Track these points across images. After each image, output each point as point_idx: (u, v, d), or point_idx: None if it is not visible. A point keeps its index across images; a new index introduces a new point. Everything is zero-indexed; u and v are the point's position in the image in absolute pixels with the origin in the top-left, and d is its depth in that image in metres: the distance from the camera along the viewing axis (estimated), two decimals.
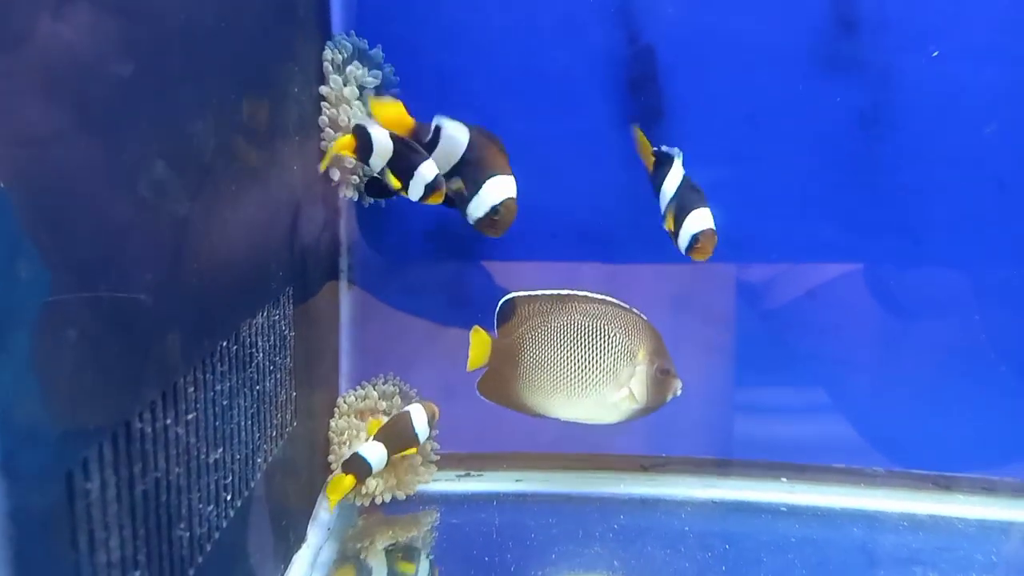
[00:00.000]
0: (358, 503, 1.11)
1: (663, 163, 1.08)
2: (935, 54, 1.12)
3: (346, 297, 1.26)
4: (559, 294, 1.04)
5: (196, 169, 0.61)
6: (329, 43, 1.10)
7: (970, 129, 1.14)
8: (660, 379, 1.01)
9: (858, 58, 1.14)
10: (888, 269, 1.19)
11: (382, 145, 0.94)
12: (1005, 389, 1.18)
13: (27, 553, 0.39)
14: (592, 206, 1.23)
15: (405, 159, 0.95)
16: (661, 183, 1.06)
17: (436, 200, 0.96)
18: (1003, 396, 1.18)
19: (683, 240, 1.02)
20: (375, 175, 1.01)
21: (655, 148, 1.09)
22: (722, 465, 1.25)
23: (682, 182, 1.06)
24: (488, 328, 1.09)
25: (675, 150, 1.08)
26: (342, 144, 0.95)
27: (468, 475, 1.26)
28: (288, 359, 0.85)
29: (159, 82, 0.54)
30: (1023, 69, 1.12)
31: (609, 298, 1.04)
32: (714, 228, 1.01)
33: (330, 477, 1.08)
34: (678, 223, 1.02)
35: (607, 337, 1.01)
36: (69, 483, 0.43)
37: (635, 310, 1.04)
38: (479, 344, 1.06)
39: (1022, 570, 0.99)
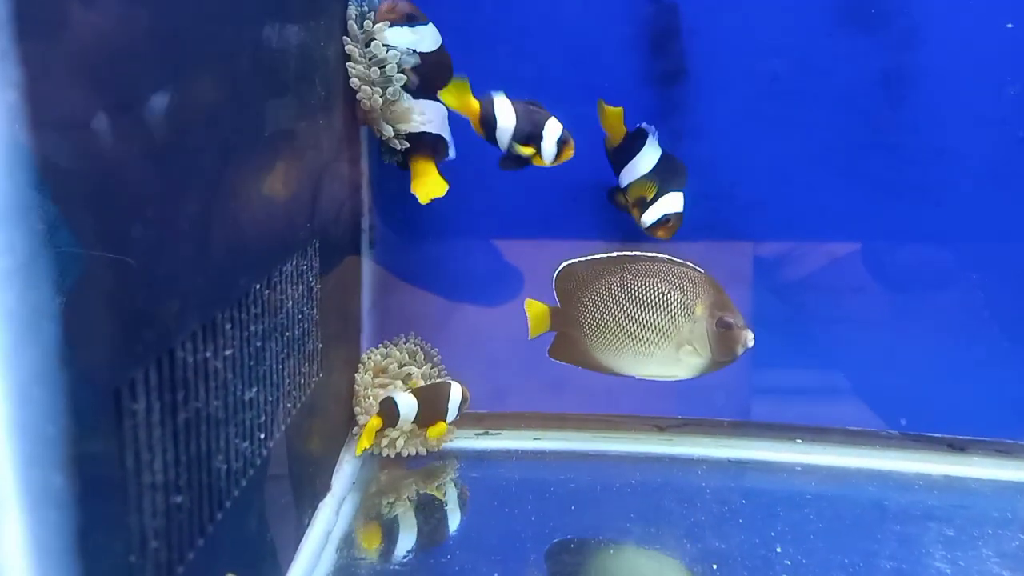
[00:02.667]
0: (384, 453, 1.13)
1: (636, 138, 1.10)
2: (1009, 26, 1.10)
3: (367, 256, 1.27)
4: (611, 256, 1.04)
5: (227, 127, 0.62)
6: (353, 1, 1.10)
7: (993, 90, 1.13)
8: (724, 332, 0.99)
9: (883, 16, 1.13)
10: (908, 232, 1.19)
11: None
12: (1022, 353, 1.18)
13: (82, 466, 0.41)
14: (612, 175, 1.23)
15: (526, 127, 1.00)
16: (631, 157, 1.09)
17: (568, 155, 1.02)
18: (1020, 360, 1.19)
19: (653, 215, 1.06)
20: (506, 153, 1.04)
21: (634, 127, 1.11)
22: (738, 427, 1.26)
23: (661, 159, 1.09)
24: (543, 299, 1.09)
25: (651, 127, 1.10)
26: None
27: (487, 434, 1.28)
28: (314, 310, 0.87)
29: (181, 49, 0.55)
30: None
31: (662, 255, 1.02)
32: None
33: (358, 428, 1.11)
34: (653, 198, 1.06)
35: (662, 294, 1.00)
36: (117, 401, 0.45)
37: (691, 264, 1.02)
38: (535, 315, 1.07)
39: None
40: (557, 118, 1.02)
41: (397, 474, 1.14)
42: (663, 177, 1.09)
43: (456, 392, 1.10)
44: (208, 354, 0.55)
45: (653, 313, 1.02)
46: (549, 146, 1.01)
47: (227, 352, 0.58)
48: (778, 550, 0.94)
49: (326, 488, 1.00)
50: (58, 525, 0.39)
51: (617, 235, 1.23)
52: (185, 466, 0.53)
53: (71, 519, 0.40)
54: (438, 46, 1.10)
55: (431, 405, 1.08)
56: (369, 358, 1.20)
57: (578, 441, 1.26)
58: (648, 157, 1.09)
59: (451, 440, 1.20)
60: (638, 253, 1.04)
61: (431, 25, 1.09)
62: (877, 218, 1.20)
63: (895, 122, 1.16)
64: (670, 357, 1.02)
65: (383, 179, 1.25)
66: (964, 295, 1.19)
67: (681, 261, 1.02)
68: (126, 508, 0.46)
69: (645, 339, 1.02)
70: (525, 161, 1.03)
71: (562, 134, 1.01)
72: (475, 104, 1.03)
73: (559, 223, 1.27)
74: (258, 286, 0.66)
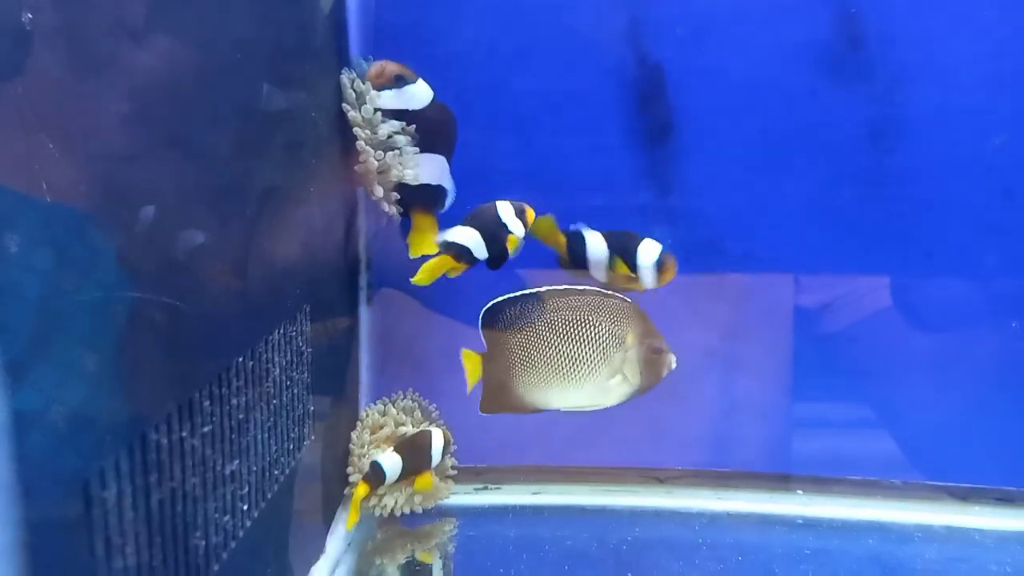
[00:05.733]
0: (376, 513, 1.13)
1: (576, 238, 1.10)
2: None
3: (365, 313, 1.29)
4: (537, 292, 1.05)
5: (213, 194, 0.64)
6: (346, 69, 1.14)
7: (978, 141, 1.14)
8: (653, 358, 1.02)
9: (865, 73, 1.15)
10: (902, 281, 1.20)
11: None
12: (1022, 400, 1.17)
13: (43, 559, 0.42)
14: (607, 222, 1.25)
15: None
16: (585, 251, 1.10)
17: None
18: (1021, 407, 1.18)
19: (647, 272, 1.06)
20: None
21: (564, 229, 1.12)
22: (738, 478, 1.25)
23: (608, 235, 1.09)
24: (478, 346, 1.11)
25: (580, 225, 1.11)
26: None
27: (486, 488, 1.28)
28: (305, 374, 0.88)
29: (171, 114, 0.57)
30: None
31: (590, 287, 1.04)
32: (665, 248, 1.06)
33: (350, 488, 1.12)
34: (631, 263, 1.07)
35: (595, 327, 1.02)
36: (86, 492, 0.46)
37: (618, 295, 1.04)
38: (471, 364, 1.08)
39: None
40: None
41: (393, 532, 1.15)
42: (622, 243, 1.09)
43: (437, 437, 1.10)
44: (184, 433, 0.57)
45: (587, 346, 1.03)
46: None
47: (206, 429, 0.60)
48: None
49: (320, 550, 1.00)
50: None
51: None
52: (160, 546, 0.54)
53: None
54: (430, 100, 1.13)
55: (414, 456, 1.08)
56: (367, 416, 1.21)
57: (577, 495, 1.25)
58: (595, 242, 1.09)
59: (445, 497, 1.20)
60: (566, 287, 1.05)
61: (421, 82, 1.11)
62: (867, 270, 1.20)
63: (882, 174, 1.17)
64: (600, 387, 1.03)
65: (381, 236, 1.28)
66: (960, 342, 1.19)
67: (608, 292, 1.04)
68: None
69: (578, 372, 1.03)
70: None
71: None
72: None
73: (562, 275, 1.28)
74: (241, 359, 0.68)
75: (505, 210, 1.04)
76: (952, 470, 1.20)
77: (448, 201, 1.17)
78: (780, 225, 1.21)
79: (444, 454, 1.13)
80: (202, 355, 0.60)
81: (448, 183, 1.16)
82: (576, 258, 1.09)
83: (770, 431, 1.25)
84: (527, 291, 1.06)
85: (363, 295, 1.28)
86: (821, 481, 1.23)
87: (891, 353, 1.22)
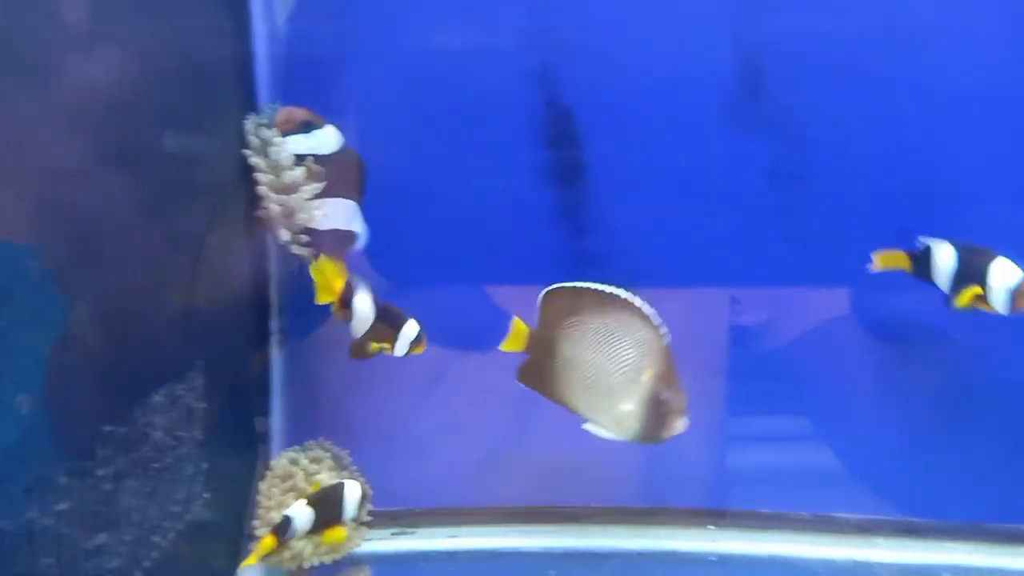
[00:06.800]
0: (284, 568, 1.11)
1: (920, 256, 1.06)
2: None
3: (278, 359, 1.27)
4: (601, 292, 1.01)
5: (90, 253, 0.63)
6: (251, 114, 1.13)
7: (874, 182, 1.18)
8: (658, 409, 0.96)
9: (766, 117, 1.19)
10: (804, 318, 1.23)
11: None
12: (921, 431, 1.21)
13: None
14: (518, 263, 1.26)
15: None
16: (930, 266, 1.04)
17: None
18: (920, 435, 1.20)
19: (1000, 296, 0.98)
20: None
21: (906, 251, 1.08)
22: (650, 514, 1.26)
23: (956, 250, 1.02)
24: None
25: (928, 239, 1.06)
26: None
27: (402, 533, 1.27)
28: (197, 431, 0.87)
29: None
30: (921, 124, 1.16)
31: (645, 306, 0.99)
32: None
33: (256, 543, 1.09)
34: (983, 282, 0.99)
35: (623, 348, 0.98)
36: None
37: (663, 329, 0.98)
38: (517, 332, 1.05)
39: None
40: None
41: None
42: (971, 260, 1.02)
43: (353, 490, 1.08)
44: (33, 514, 0.55)
45: (611, 364, 0.99)
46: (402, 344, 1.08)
47: (61, 507, 0.58)
48: None
49: None
50: None
51: None
52: None
53: None
54: (340, 145, 1.13)
55: (327, 509, 1.06)
56: (277, 466, 1.18)
57: (494, 536, 1.25)
58: (944, 256, 1.03)
59: (358, 545, 1.18)
60: (629, 298, 0.99)
61: (329, 127, 1.12)
62: (772, 303, 1.23)
63: (786, 215, 1.20)
64: (612, 412, 0.99)
65: (292, 280, 1.26)
66: (855, 375, 1.22)
67: (656, 322, 0.98)
68: None
69: (599, 387, 1.00)
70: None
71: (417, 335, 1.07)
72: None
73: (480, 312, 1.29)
74: (109, 428, 0.66)
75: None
76: (858, 502, 1.22)
77: (359, 244, 1.17)
78: (692, 267, 1.24)
79: (360, 507, 1.11)
80: (56, 430, 0.58)
81: (358, 226, 1.16)
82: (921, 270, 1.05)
83: (683, 468, 1.27)
84: (593, 286, 1.02)
85: (275, 340, 1.26)
86: (731, 515, 1.24)
87: (798, 387, 1.25)
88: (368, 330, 1.06)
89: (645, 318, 0.98)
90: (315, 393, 1.29)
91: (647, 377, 0.97)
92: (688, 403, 0.97)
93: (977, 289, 1.00)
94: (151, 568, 0.75)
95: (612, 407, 0.99)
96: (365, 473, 1.23)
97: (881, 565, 1.15)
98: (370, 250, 1.18)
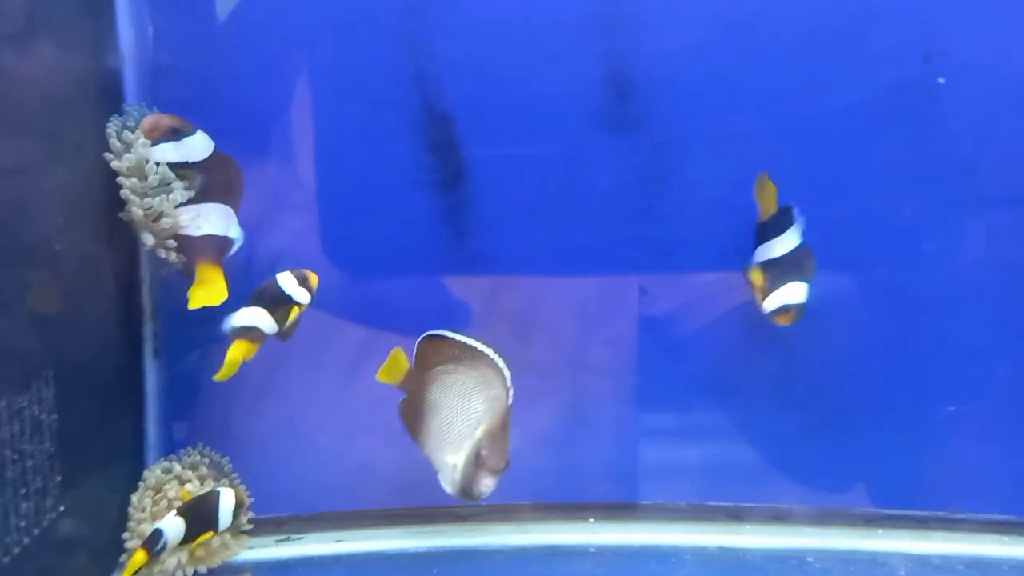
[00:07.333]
0: None
1: (782, 218, 1.14)
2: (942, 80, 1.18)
3: (152, 365, 1.24)
4: (474, 347, 1.04)
5: None
6: (114, 116, 1.10)
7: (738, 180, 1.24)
8: (477, 466, 0.97)
9: (634, 121, 1.23)
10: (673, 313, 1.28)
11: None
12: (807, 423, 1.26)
13: None
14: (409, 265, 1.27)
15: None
16: (774, 237, 1.14)
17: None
18: (817, 429, 1.26)
19: (774, 302, 1.12)
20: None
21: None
22: (538, 509, 1.29)
23: (799, 247, 1.13)
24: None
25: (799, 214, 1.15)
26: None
27: (288, 539, 1.25)
28: (46, 443, 0.84)
29: None
30: (784, 129, 1.22)
31: (504, 366, 1.02)
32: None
33: (126, 556, 1.06)
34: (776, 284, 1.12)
35: (477, 401, 1.01)
36: None
37: (510, 387, 1.02)
38: (395, 363, 1.06)
39: None
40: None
41: None
42: (793, 265, 1.11)
43: (227, 498, 1.06)
44: None
45: (459, 416, 1.02)
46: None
47: None
48: None
49: None
50: None
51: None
52: None
53: None
54: (211, 151, 1.11)
55: (200, 519, 1.04)
56: (150, 475, 1.15)
57: (381, 539, 1.25)
58: (787, 242, 1.12)
59: (237, 554, 1.17)
60: (494, 356, 1.03)
61: (200, 133, 1.09)
62: (650, 298, 1.28)
63: (652, 216, 1.25)
64: (444, 461, 1.02)
65: (167, 284, 1.23)
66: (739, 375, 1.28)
67: (507, 381, 1.01)
68: None
69: (444, 437, 1.02)
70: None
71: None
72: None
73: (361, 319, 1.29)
74: None
75: (287, 281, 1.05)
76: (727, 491, 1.28)
77: (234, 249, 1.15)
78: (566, 266, 1.27)
79: (236, 515, 1.10)
80: None
81: (235, 232, 1.14)
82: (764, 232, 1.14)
83: (563, 461, 1.30)
84: (467, 339, 1.04)
85: (148, 347, 1.23)
86: (612, 508, 1.28)
87: (674, 381, 1.29)
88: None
89: (503, 377, 1.02)
90: (194, 400, 1.27)
91: (479, 432, 0.99)
92: (505, 470, 0.99)
93: (759, 279, 1.12)
94: None
95: (448, 456, 1.01)
96: (247, 480, 1.21)
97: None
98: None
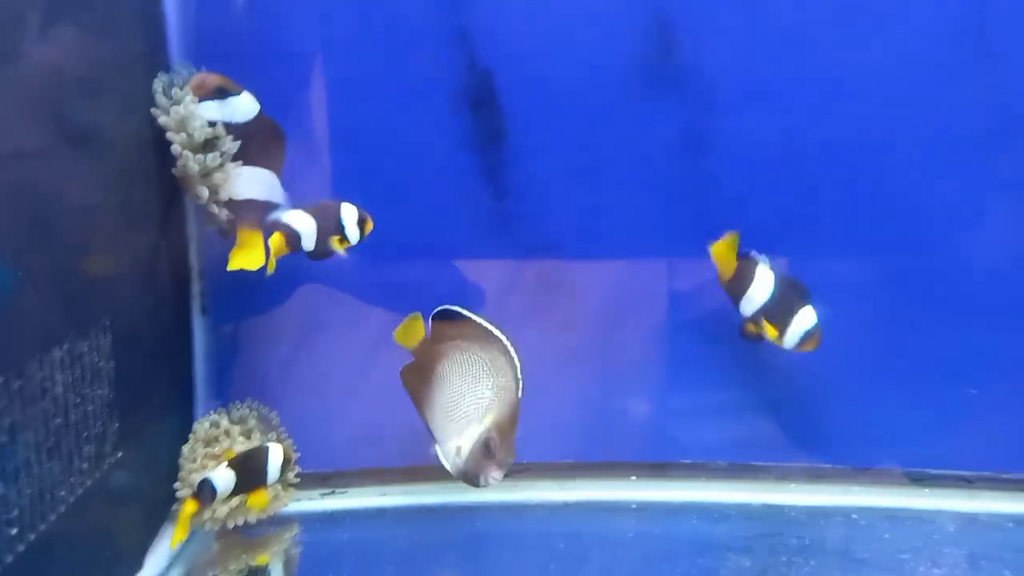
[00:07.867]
0: (207, 528, 1.11)
1: (747, 269, 1.12)
2: None
3: (200, 322, 1.26)
4: (489, 330, 1.04)
5: None
6: (160, 73, 1.11)
7: (784, 142, 1.21)
8: (484, 453, 0.97)
9: (678, 81, 1.21)
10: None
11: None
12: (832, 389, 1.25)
13: None
14: (438, 225, 1.27)
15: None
16: (747, 287, 1.12)
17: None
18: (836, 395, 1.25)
19: (792, 340, 1.10)
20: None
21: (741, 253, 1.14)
22: (577, 468, 1.29)
23: (778, 281, 1.10)
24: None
25: (758, 256, 1.13)
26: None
27: (332, 493, 1.28)
28: (106, 390, 0.86)
29: None
30: (827, 85, 1.20)
31: (515, 354, 1.03)
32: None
33: (178, 505, 1.09)
34: (786, 320, 1.09)
35: (485, 386, 1.01)
36: None
37: (520, 376, 1.02)
38: (412, 326, 1.07)
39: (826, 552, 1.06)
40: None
41: (230, 543, 1.13)
42: (784, 298, 1.09)
43: (276, 453, 1.09)
44: None
45: (468, 398, 1.02)
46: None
47: None
48: None
49: (135, 568, 0.97)
50: None
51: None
52: None
53: None
54: (256, 113, 1.11)
55: (250, 472, 1.07)
56: (200, 428, 1.18)
57: (422, 494, 1.26)
58: (763, 283, 1.10)
59: (285, 505, 1.19)
60: (506, 341, 1.03)
61: (245, 94, 1.10)
62: (687, 262, 1.26)
63: (696, 175, 1.23)
64: (448, 444, 1.02)
65: (215, 243, 1.25)
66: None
67: (517, 368, 1.02)
68: None
69: (452, 416, 1.02)
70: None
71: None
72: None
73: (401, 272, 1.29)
74: (2, 379, 0.66)
75: (348, 213, 1.06)
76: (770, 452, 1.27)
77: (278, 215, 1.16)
78: (605, 230, 1.26)
79: (284, 470, 1.12)
80: None
81: (279, 197, 1.14)
82: (737, 288, 1.12)
83: (605, 421, 1.30)
84: (483, 320, 1.05)
85: (196, 304, 1.25)
86: (655, 467, 1.28)
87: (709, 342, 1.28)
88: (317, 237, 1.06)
89: (514, 367, 1.02)
90: (241, 355, 1.29)
91: (488, 421, 0.99)
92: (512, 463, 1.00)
93: (773, 332, 1.09)
94: (56, 521, 0.75)
95: (453, 436, 1.01)
96: (295, 435, 1.24)
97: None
98: None
